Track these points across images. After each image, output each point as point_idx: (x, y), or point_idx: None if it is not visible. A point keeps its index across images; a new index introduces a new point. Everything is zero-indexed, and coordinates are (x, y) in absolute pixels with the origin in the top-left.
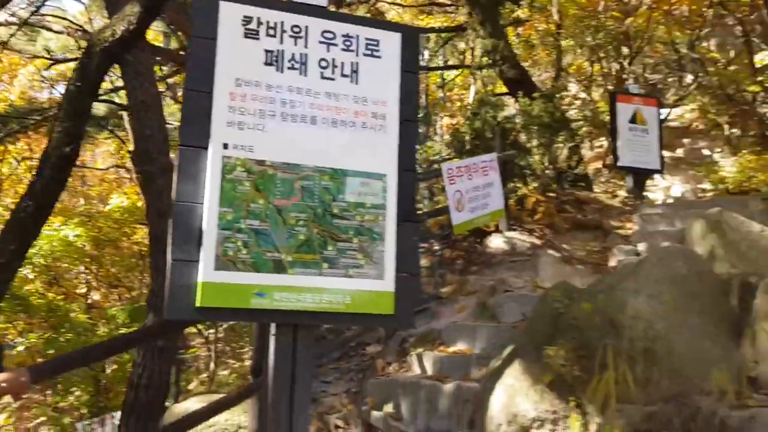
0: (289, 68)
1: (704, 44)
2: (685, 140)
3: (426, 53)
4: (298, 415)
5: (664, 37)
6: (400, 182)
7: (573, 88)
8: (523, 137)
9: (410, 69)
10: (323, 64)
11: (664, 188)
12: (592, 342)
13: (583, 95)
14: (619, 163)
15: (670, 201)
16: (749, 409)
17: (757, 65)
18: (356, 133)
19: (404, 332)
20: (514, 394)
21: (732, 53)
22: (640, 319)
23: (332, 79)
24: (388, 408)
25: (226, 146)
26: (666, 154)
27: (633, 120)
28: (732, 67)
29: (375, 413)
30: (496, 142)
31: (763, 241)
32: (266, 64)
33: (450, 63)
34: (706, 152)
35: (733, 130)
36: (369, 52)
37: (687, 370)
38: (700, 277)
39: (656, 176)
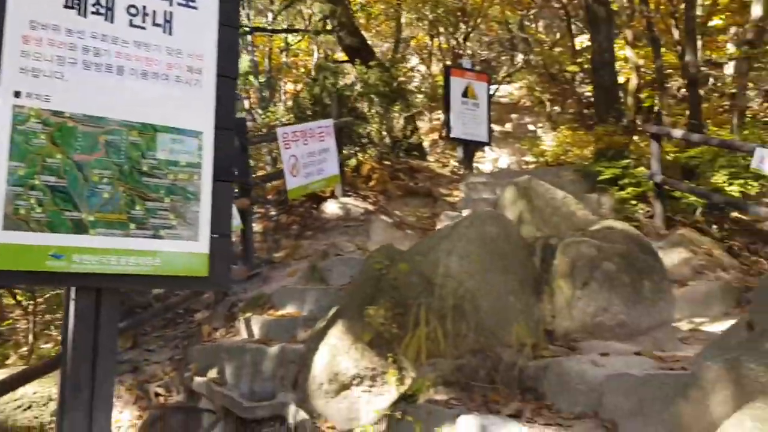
0: (93, 13)
1: (533, 25)
2: (514, 116)
3: (270, 15)
4: (100, 385)
5: (499, 16)
6: (217, 140)
7: (414, 60)
8: (360, 105)
9: (229, 23)
10: (132, 11)
11: (492, 160)
12: (408, 301)
13: (422, 68)
14: (451, 135)
15: (495, 171)
16: (544, 359)
17: (578, 48)
18: (169, 86)
19: (233, 297)
20: (336, 353)
21: (558, 35)
22: (452, 278)
23: (142, 28)
24: (212, 373)
25: (18, 95)
26: (496, 128)
27: (465, 94)
28: (557, 49)
29: (198, 379)
30: (333, 109)
31: (564, 207)
32: (66, 6)
33: (297, 27)
34: (531, 127)
35: (555, 108)
36: (184, 2)
37: (492, 325)
38: (508, 239)
39: (486, 148)
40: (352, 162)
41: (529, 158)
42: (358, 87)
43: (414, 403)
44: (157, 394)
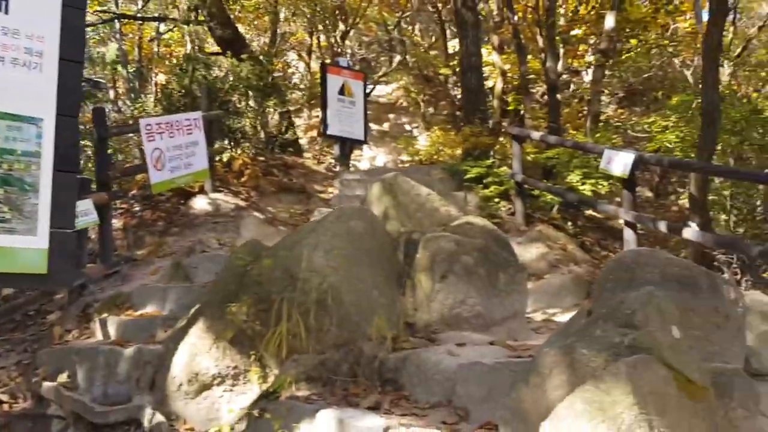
0: None
1: (410, 28)
2: (391, 116)
3: (140, 2)
4: None
5: (378, 17)
6: (59, 128)
7: (294, 56)
8: (232, 98)
9: (74, 3)
10: None
11: (370, 158)
12: (272, 296)
13: (301, 64)
14: (328, 132)
15: (371, 168)
16: (404, 352)
17: (451, 51)
18: (4, 69)
19: (89, 297)
20: (196, 352)
21: (433, 38)
22: (316, 272)
23: None
24: (62, 378)
25: None
26: (374, 127)
27: (342, 92)
28: (432, 52)
29: (47, 384)
30: (202, 101)
31: (429, 204)
32: None
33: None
34: (408, 127)
35: (429, 109)
36: None
37: (356, 319)
38: (373, 234)
39: (364, 147)
40: (225, 157)
41: (405, 157)
42: (230, 79)
43: (275, 401)
44: (1, 402)
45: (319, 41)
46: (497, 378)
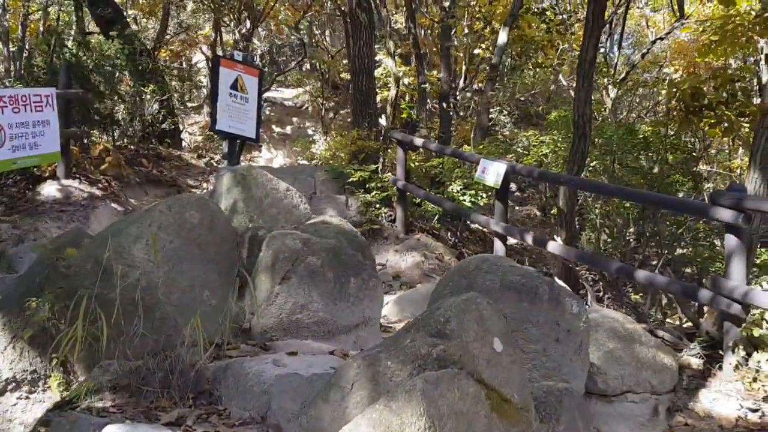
0: None
1: (319, 32)
2: (295, 119)
3: None
4: None
5: (289, 19)
6: None
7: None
8: (99, 79)
9: None
10: None
11: (267, 160)
12: (80, 292)
13: (199, 57)
14: (216, 127)
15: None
16: (225, 360)
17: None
18: None
19: None
20: None
21: (343, 43)
22: (136, 267)
23: None
24: None
25: None
26: (277, 129)
27: (235, 86)
28: (343, 59)
29: None
30: (61, 78)
31: (287, 200)
32: None
33: None
34: (311, 131)
35: (330, 113)
36: None
37: (179, 322)
38: (212, 228)
39: (263, 148)
40: (87, 142)
41: (304, 161)
42: (94, 58)
43: (70, 411)
44: None
45: (221, 37)
46: (312, 391)
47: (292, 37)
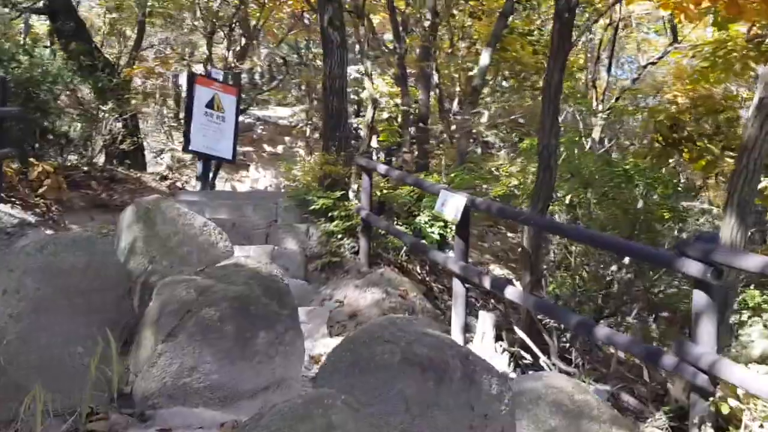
0: None
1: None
2: (287, 138)
3: None
4: None
5: (291, 38)
6: None
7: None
8: (45, 95)
9: None
10: None
11: (253, 180)
12: None
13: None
14: (189, 147)
15: (214, 191)
16: None
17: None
18: None
19: None
20: None
21: None
22: None
23: None
24: None
25: None
26: (267, 148)
27: (210, 105)
28: None
29: None
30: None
31: (203, 236)
32: None
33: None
34: (302, 151)
35: (316, 135)
36: None
37: (35, 386)
38: (98, 272)
39: (251, 168)
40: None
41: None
42: (38, 71)
43: None
44: None
45: (210, 55)
46: None
47: (294, 55)
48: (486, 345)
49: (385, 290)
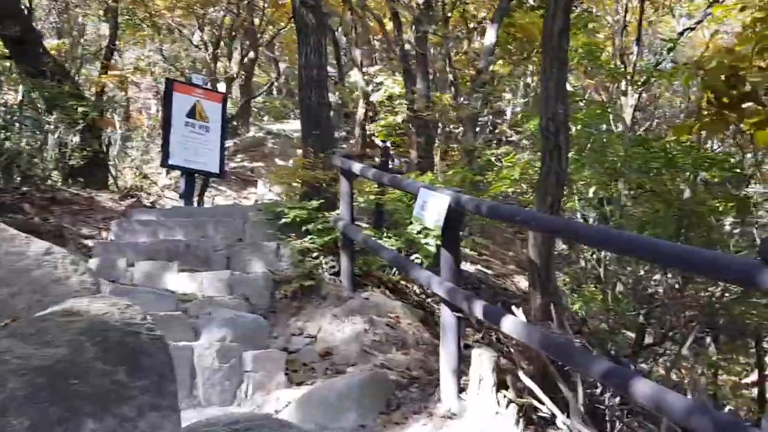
0: None
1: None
2: (299, 151)
3: None
4: None
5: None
6: None
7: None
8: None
9: None
10: None
11: (260, 195)
12: None
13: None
14: (169, 162)
15: (176, 208)
16: None
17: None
18: None
19: None
20: None
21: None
22: None
23: None
24: None
25: None
26: (280, 162)
27: (192, 114)
28: None
29: None
30: None
31: (41, 270)
32: None
33: None
34: None
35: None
36: None
37: None
38: None
39: (259, 183)
40: None
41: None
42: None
43: None
44: None
45: (213, 65)
46: None
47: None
48: (484, 396)
49: (369, 319)
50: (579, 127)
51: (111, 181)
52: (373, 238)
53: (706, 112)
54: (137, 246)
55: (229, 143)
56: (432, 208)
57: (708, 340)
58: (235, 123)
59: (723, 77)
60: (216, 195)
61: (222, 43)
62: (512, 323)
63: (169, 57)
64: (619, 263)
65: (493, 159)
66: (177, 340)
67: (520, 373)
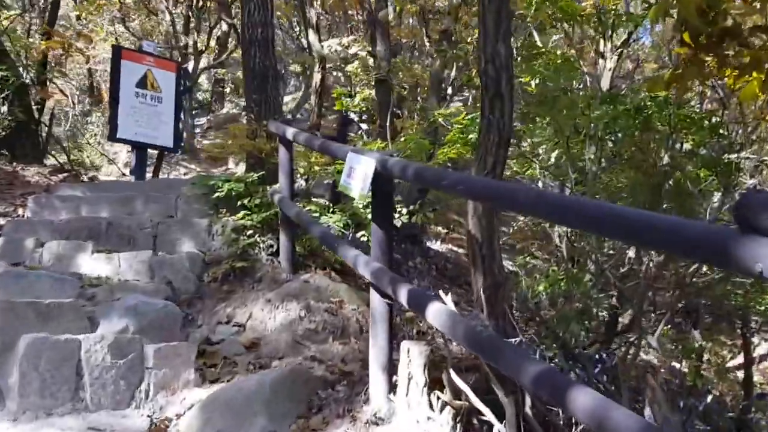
0: None
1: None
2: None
3: None
4: None
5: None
6: None
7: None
8: None
9: None
10: None
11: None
12: None
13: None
14: (117, 135)
15: (105, 182)
16: None
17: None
18: None
19: None
20: None
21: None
22: None
23: None
24: None
25: None
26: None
27: (142, 84)
28: None
29: None
30: None
31: None
32: None
33: None
34: None
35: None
36: None
37: None
38: None
39: (230, 160)
40: None
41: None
42: None
43: None
44: None
45: (184, 40)
46: None
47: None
48: (413, 397)
49: (306, 305)
50: (538, 81)
51: (54, 157)
52: (307, 213)
53: (682, 58)
54: (53, 224)
55: (202, 120)
56: (359, 174)
57: (689, 323)
58: (209, 99)
59: (699, 8)
60: (186, 173)
61: (191, 15)
62: (436, 312)
63: (144, 33)
64: (597, 240)
65: (441, 120)
66: (66, 331)
67: (452, 372)
